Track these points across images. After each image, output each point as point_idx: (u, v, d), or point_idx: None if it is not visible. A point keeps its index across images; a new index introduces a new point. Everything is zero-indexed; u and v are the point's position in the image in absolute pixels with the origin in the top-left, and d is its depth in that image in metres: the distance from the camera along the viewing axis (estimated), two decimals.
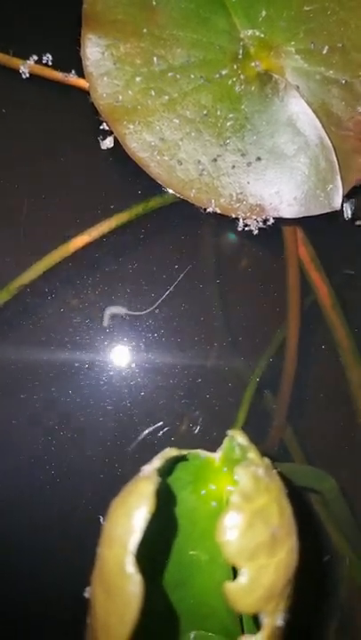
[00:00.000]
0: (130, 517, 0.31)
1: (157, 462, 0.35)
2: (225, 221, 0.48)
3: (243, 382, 0.52)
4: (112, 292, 0.52)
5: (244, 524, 0.31)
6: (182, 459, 0.38)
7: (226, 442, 0.39)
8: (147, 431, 0.50)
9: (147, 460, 0.35)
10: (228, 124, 0.47)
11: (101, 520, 0.31)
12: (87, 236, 0.49)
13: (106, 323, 0.50)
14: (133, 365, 0.51)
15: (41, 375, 0.50)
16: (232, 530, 0.31)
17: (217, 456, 0.39)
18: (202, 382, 0.52)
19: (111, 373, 0.51)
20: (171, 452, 0.36)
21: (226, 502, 0.38)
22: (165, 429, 0.51)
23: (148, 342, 0.52)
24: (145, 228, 0.53)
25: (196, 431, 0.51)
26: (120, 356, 0.51)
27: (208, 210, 0.48)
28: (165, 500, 0.38)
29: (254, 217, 0.47)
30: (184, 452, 0.37)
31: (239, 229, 0.49)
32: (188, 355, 0.52)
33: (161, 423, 0.51)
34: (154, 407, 0.51)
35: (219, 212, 0.48)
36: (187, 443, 0.47)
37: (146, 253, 0.53)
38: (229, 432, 0.38)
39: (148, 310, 0.51)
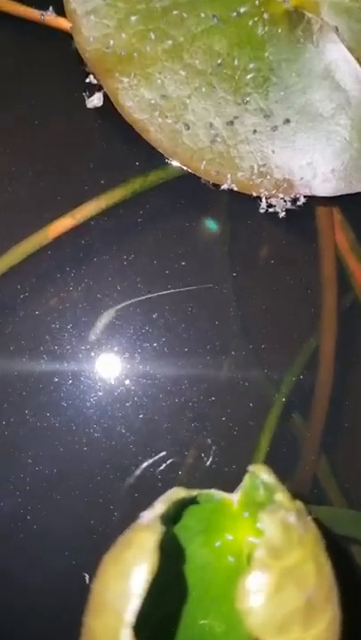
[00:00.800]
0: (126, 578, 0.31)
1: (161, 507, 0.35)
2: (243, 201, 0.49)
3: (266, 402, 0.53)
4: (100, 289, 0.52)
5: (272, 586, 0.31)
6: (192, 501, 0.39)
7: (246, 479, 0.39)
8: (146, 464, 0.51)
9: (146, 502, 0.36)
10: (248, 76, 0.47)
11: (88, 580, 0.32)
12: (70, 219, 0.50)
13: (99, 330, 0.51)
14: (128, 381, 0.52)
15: (10, 394, 0.51)
16: (256, 594, 0.31)
17: (235, 498, 0.39)
18: (215, 402, 0.52)
19: (100, 392, 0.52)
20: (177, 494, 0.37)
21: (247, 558, 0.39)
22: (170, 461, 0.50)
23: (147, 352, 0.52)
24: (143, 210, 0.53)
25: (209, 464, 0.51)
26: (111, 370, 0.52)
27: (222, 187, 0.48)
28: (171, 555, 0.38)
29: (281, 195, 0.48)
30: (194, 492, 0.38)
31: (261, 211, 0.49)
32: (197, 367, 0.52)
33: (164, 454, 0.50)
34: (155, 433, 0.51)
35: (235, 189, 0.48)
36: (197, 479, 0.49)
37: (143, 241, 0.53)
38: (251, 468, 0.38)
39: (146, 311, 0.52)
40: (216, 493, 0.39)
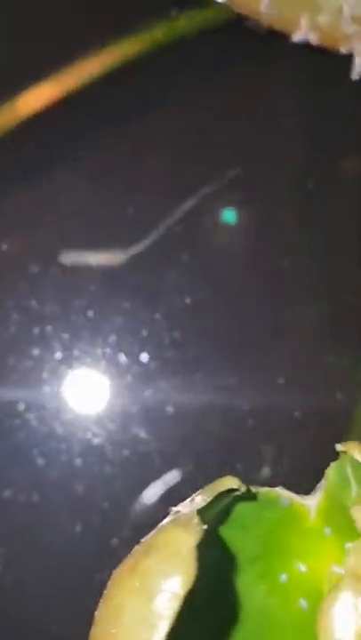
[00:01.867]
0: (149, 595, 0.30)
1: (202, 498, 0.34)
2: (327, 63, 0.49)
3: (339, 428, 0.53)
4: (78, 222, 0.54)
5: None
6: (244, 501, 0.37)
7: (332, 471, 0.38)
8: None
9: None
10: None
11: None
12: (52, 87, 0.49)
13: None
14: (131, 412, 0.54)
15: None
16: None
17: (312, 503, 0.38)
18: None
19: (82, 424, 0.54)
20: (227, 482, 0.35)
21: (330, 601, 0.35)
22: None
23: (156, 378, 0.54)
24: (166, 74, 0.53)
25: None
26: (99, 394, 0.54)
27: (295, 38, 0.48)
28: (210, 587, 0.37)
29: None
30: (250, 489, 0.37)
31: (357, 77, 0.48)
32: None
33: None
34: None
35: (316, 42, 0.48)
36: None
37: (164, 127, 0.54)
38: (341, 446, 0.37)
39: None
40: (283, 495, 0.38)
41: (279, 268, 0.57)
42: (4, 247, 0.56)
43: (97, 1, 0.55)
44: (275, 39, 0.51)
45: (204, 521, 0.32)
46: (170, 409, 0.56)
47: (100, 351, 0.56)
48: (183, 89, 0.55)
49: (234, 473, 0.52)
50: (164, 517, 0.35)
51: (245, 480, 0.51)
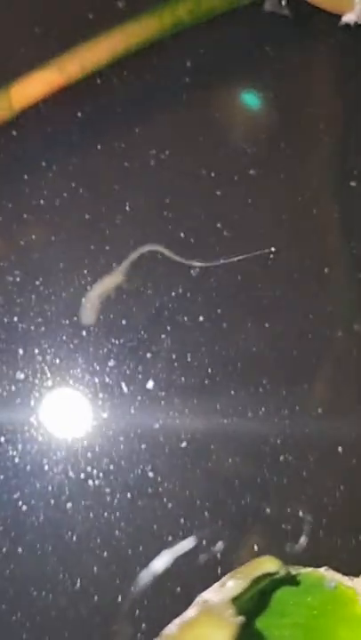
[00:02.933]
0: None
1: (236, 584, 0.34)
2: None
3: None
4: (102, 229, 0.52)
5: None
6: (283, 585, 0.37)
7: None
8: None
9: None
10: None
11: None
12: (54, 74, 0.47)
13: (89, 317, 0.51)
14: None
15: None
16: None
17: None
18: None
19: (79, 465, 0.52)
20: (264, 565, 0.35)
21: None
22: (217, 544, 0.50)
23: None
24: (189, 60, 0.52)
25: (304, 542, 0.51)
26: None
27: (344, 18, 0.49)
28: None
29: None
30: (290, 569, 0.36)
31: None
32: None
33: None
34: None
35: None
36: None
37: (186, 124, 0.52)
38: None
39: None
40: (328, 576, 0.37)
41: (319, 285, 0.54)
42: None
43: None
44: (318, 17, 0.51)
45: (239, 611, 0.32)
46: (184, 444, 0.53)
47: (100, 378, 0.53)
48: (199, 77, 0.53)
49: (262, 520, 0.51)
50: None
51: (278, 532, 0.50)
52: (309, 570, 0.37)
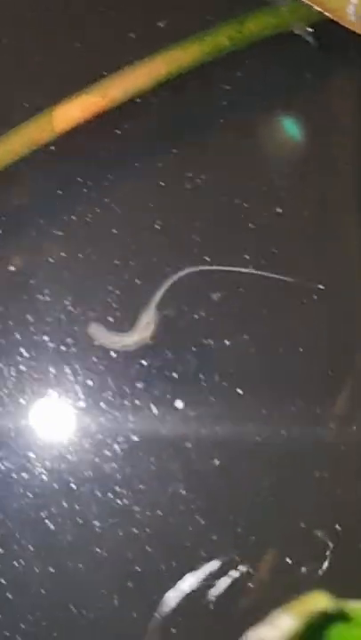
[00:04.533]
0: None
1: (289, 621, 0.32)
2: None
3: None
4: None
5: None
6: (336, 621, 0.34)
7: None
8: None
9: None
10: None
11: None
12: (97, 98, 0.48)
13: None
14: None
15: None
16: None
17: None
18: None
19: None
20: (317, 602, 0.33)
21: None
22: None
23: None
24: (231, 85, 0.53)
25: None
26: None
27: None
28: None
29: None
30: (341, 603, 0.34)
31: None
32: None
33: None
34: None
35: None
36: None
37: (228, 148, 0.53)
38: None
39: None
40: None
41: (345, 312, 0.55)
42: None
43: (150, 4, 0.54)
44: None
45: None
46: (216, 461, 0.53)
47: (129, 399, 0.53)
48: (237, 101, 0.54)
49: (288, 540, 0.51)
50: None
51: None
52: (358, 603, 0.34)
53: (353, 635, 0.35)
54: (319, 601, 0.33)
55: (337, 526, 0.52)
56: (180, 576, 0.51)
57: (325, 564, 0.51)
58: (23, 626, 0.51)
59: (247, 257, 0.52)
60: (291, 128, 0.55)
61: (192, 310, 0.52)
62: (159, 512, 0.51)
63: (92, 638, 0.51)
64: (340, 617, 0.34)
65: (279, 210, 0.53)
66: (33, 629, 0.51)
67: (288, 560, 0.51)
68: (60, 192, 0.53)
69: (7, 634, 0.51)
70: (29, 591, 0.51)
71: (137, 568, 0.51)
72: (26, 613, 0.51)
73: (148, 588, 0.51)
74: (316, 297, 0.52)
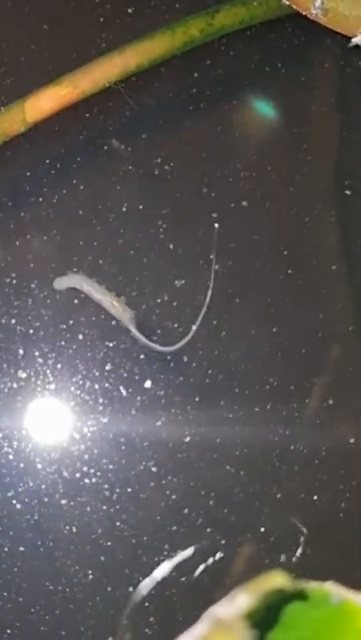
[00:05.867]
0: None
1: (248, 599, 0.33)
2: None
3: None
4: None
5: None
6: (291, 600, 0.35)
7: None
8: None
9: None
10: None
11: None
12: (68, 89, 0.48)
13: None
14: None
15: None
16: None
17: None
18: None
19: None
20: (273, 580, 0.34)
21: None
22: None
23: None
24: (202, 79, 0.53)
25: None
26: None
27: (354, 39, 0.48)
28: None
29: None
30: (297, 583, 0.34)
31: None
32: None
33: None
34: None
35: None
36: None
37: (200, 143, 0.53)
38: None
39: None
40: (334, 591, 0.35)
41: (316, 295, 0.55)
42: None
43: None
44: (331, 40, 0.51)
45: (251, 626, 0.31)
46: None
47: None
48: (220, 95, 0.54)
49: (259, 530, 0.52)
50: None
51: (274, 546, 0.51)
52: (316, 584, 0.35)
53: (309, 614, 0.36)
54: (277, 580, 0.34)
55: (298, 523, 0.53)
56: (154, 551, 0.52)
57: (299, 551, 0.52)
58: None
59: (213, 244, 0.53)
60: (264, 109, 0.55)
61: (156, 295, 0.53)
62: (129, 489, 0.52)
63: (77, 612, 0.52)
64: (298, 596, 0.35)
65: (245, 203, 0.53)
66: (9, 605, 0.52)
67: (251, 553, 0.52)
68: (29, 173, 0.53)
69: None
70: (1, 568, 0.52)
71: (109, 543, 0.52)
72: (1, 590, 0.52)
73: (122, 560, 0.52)
74: (295, 282, 0.53)
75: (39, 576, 0.52)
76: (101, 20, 0.53)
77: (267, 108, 0.55)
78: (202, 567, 0.52)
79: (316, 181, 0.55)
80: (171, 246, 0.53)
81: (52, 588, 0.52)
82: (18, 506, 0.52)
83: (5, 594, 0.52)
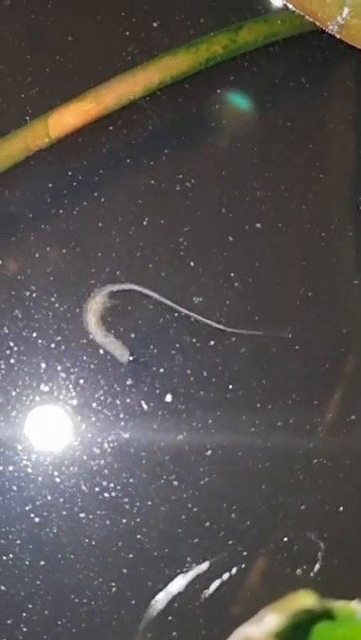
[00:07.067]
0: None
1: (276, 619, 0.33)
2: None
3: None
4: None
5: None
6: (321, 619, 0.35)
7: None
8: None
9: None
10: None
11: None
12: (90, 105, 0.48)
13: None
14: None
15: None
16: None
17: None
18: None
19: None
20: (302, 601, 0.35)
21: None
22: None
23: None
24: (224, 93, 0.52)
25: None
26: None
27: None
28: None
29: None
30: (326, 603, 0.35)
31: None
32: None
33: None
34: None
35: None
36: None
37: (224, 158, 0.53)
38: None
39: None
40: (359, 609, 0.35)
41: (334, 313, 0.55)
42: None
43: (144, 11, 0.53)
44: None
45: None
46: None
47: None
48: (241, 110, 0.54)
49: (278, 543, 0.51)
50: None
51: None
52: (342, 604, 0.35)
53: (337, 633, 0.36)
54: (305, 600, 0.34)
55: (315, 537, 0.53)
56: (175, 563, 0.51)
57: (317, 567, 0.52)
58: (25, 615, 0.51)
59: (231, 261, 0.53)
60: (240, 102, 0.55)
61: (173, 309, 0.53)
62: (150, 503, 0.52)
63: (103, 625, 0.52)
64: (326, 615, 0.35)
65: (257, 227, 0.53)
66: (35, 618, 0.52)
67: (268, 567, 0.52)
68: (51, 185, 0.53)
69: (9, 622, 0.51)
70: (23, 581, 0.52)
71: (130, 555, 0.52)
72: (26, 603, 0.52)
73: (145, 573, 0.52)
74: (307, 294, 0.53)
75: (63, 588, 0.52)
76: (127, 33, 0.53)
77: (287, 124, 0.55)
78: (224, 578, 0.52)
79: (331, 198, 0.55)
80: (191, 264, 0.53)
81: (77, 601, 0.52)
82: (36, 519, 0.51)
83: (30, 606, 0.52)
